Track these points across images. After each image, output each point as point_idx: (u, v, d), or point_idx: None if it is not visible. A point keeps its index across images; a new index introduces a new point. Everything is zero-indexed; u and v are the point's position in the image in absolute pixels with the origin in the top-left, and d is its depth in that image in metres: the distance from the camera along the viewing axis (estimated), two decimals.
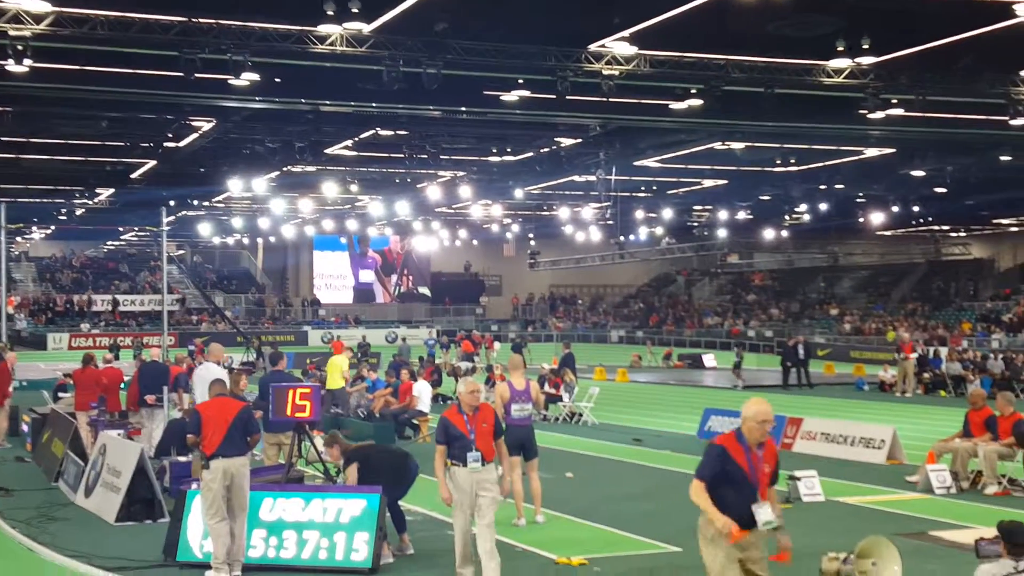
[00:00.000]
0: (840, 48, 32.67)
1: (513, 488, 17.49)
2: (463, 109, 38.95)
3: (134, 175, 57.86)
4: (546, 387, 34.18)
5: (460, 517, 13.20)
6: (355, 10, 28.13)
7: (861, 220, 76.71)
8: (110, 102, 39.38)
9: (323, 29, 29.87)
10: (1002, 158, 51.64)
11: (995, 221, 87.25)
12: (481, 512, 13.07)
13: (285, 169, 54.36)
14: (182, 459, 20.16)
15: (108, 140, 49.63)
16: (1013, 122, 37.14)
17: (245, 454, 14.45)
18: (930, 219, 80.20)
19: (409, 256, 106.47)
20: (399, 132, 46.91)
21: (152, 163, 54.49)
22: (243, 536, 14.40)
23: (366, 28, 30.09)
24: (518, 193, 63.04)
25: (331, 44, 30.20)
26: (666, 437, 30.28)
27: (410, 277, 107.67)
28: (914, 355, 45.91)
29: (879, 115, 37.37)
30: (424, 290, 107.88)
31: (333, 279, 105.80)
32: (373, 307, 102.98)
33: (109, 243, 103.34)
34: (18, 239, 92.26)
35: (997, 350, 51.07)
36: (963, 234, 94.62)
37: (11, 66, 29.15)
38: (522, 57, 32.28)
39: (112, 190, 64.32)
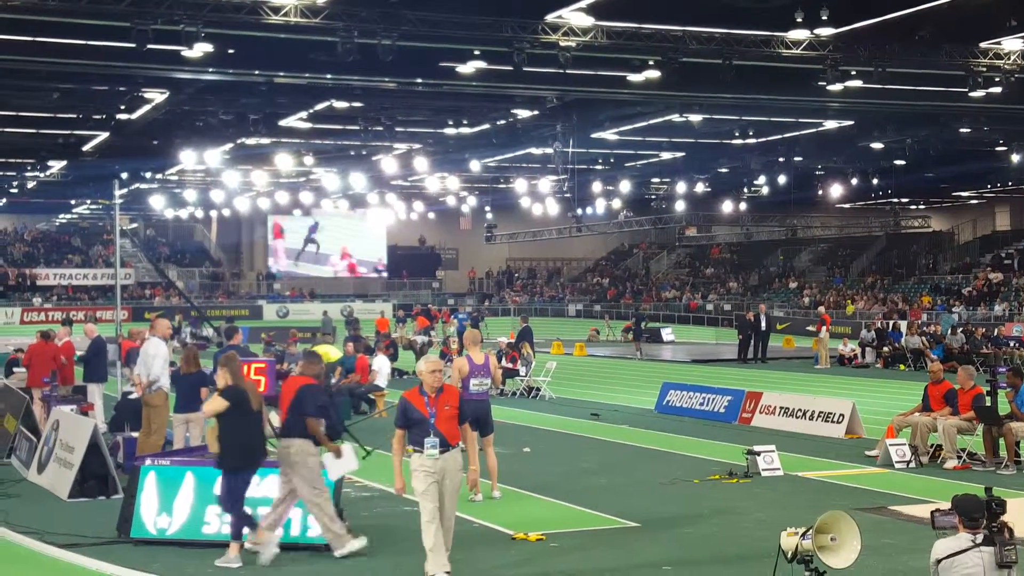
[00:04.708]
0: (798, 19, 32.46)
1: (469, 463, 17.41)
2: (419, 81, 38.59)
3: (86, 148, 57.27)
4: (503, 361, 34.12)
5: (428, 504, 12.35)
6: None
7: (820, 193, 76.71)
8: (61, 74, 38.90)
9: None
10: (961, 130, 51.77)
11: (954, 194, 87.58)
12: (448, 499, 12.51)
13: (239, 141, 53.87)
14: (135, 435, 20.00)
15: (59, 112, 49.13)
16: (972, 94, 37.16)
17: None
18: (889, 192, 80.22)
19: None
20: (354, 104, 46.55)
21: (104, 135, 53.91)
22: None
23: None
24: (474, 166, 62.68)
25: (285, 15, 29.81)
26: (624, 411, 30.30)
27: None
28: (823, 328, 46.33)
29: (838, 87, 37.28)
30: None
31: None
32: (329, 281, 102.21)
33: (61, 216, 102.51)
34: None
35: (957, 324, 51.21)
36: (922, 207, 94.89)
37: None
38: (478, 28, 32.02)
39: (64, 163, 63.69)
